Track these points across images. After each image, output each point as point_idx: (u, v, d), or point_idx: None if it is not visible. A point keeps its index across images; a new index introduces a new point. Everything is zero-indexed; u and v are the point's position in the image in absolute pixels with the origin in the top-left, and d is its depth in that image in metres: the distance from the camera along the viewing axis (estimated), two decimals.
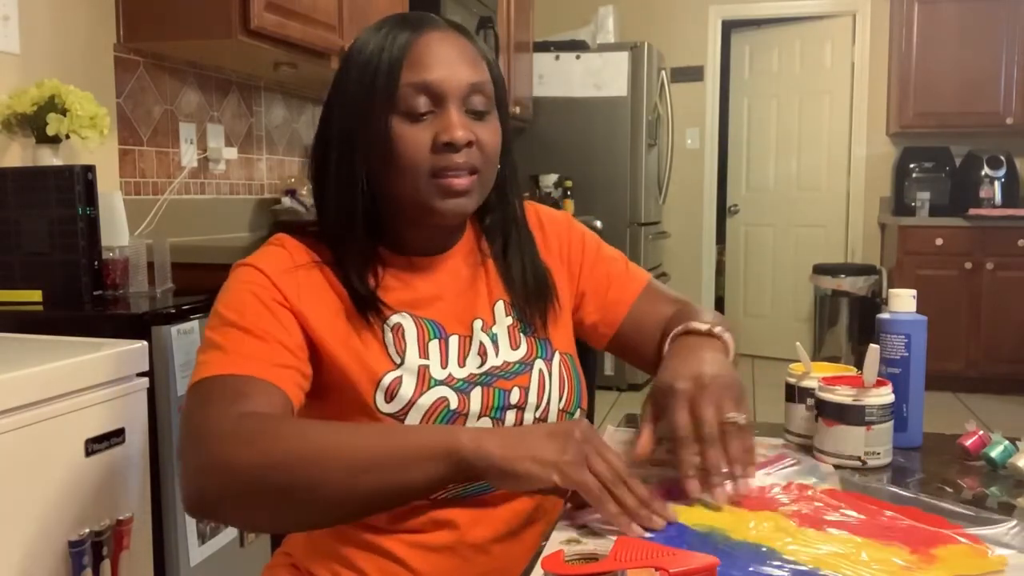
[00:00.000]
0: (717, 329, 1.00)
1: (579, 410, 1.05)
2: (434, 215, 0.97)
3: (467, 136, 0.93)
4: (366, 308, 0.96)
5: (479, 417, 0.98)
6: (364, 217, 0.97)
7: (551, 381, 1.03)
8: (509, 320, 1.04)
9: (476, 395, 0.98)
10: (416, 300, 1.00)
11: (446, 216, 0.97)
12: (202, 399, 0.88)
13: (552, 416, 1.02)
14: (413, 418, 0.94)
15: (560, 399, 1.03)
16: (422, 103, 0.93)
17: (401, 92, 0.93)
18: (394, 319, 0.98)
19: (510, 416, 0.99)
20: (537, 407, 1.01)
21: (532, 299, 1.05)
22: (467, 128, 0.94)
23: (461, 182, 0.95)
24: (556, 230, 1.14)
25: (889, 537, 0.80)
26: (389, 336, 0.97)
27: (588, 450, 0.81)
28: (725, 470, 0.86)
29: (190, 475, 0.84)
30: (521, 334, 1.04)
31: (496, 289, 1.06)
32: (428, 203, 0.95)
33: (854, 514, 0.84)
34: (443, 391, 0.96)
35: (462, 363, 0.99)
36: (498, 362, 1.01)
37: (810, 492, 0.90)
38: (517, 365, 1.02)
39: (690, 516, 0.83)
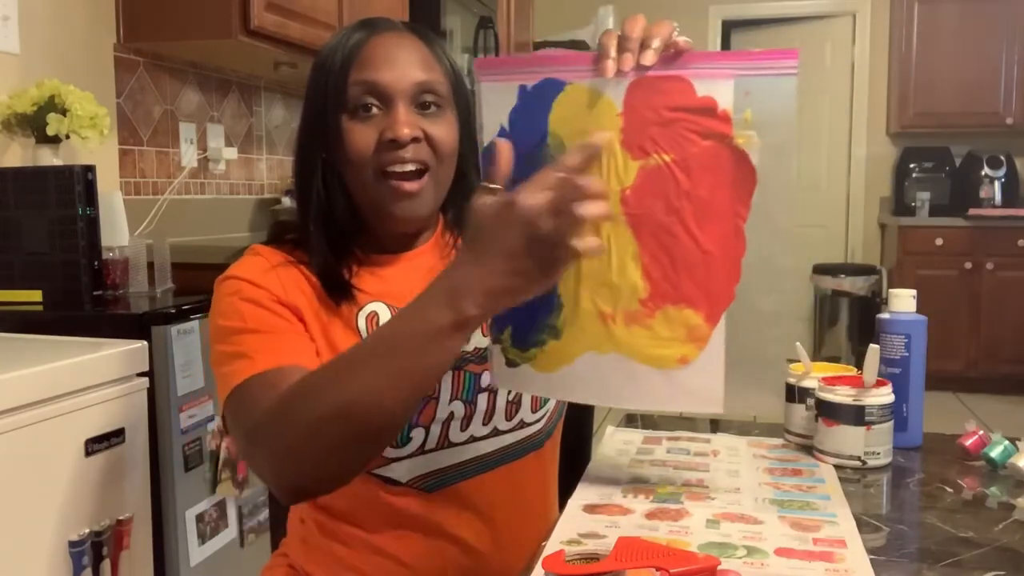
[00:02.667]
0: None
1: None
2: (389, 219, 0.99)
3: (412, 132, 0.95)
4: (340, 296, 0.98)
5: (451, 401, 0.99)
6: (321, 213, 0.99)
7: None
8: None
9: (446, 379, 0.99)
10: (390, 291, 1.01)
11: (401, 219, 0.99)
12: (243, 403, 0.89)
13: (526, 398, 1.02)
14: None
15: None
16: (369, 102, 0.96)
17: (350, 91, 0.95)
18: (369, 307, 0.99)
19: (482, 399, 1.00)
20: (510, 390, 1.01)
21: None
22: (414, 125, 0.95)
23: (411, 186, 0.96)
24: None
25: (679, 295, 0.81)
26: (363, 325, 0.98)
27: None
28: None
29: (269, 471, 0.85)
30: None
31: None
32: (381, 206, 0.98)
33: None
34: None
35: None
36: (469, 348, 1.02)
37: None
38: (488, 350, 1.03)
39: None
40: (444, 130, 0.98)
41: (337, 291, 0.98)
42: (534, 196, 0.70)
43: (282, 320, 0.95)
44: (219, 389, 0.94)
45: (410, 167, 0.95)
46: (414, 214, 0.99)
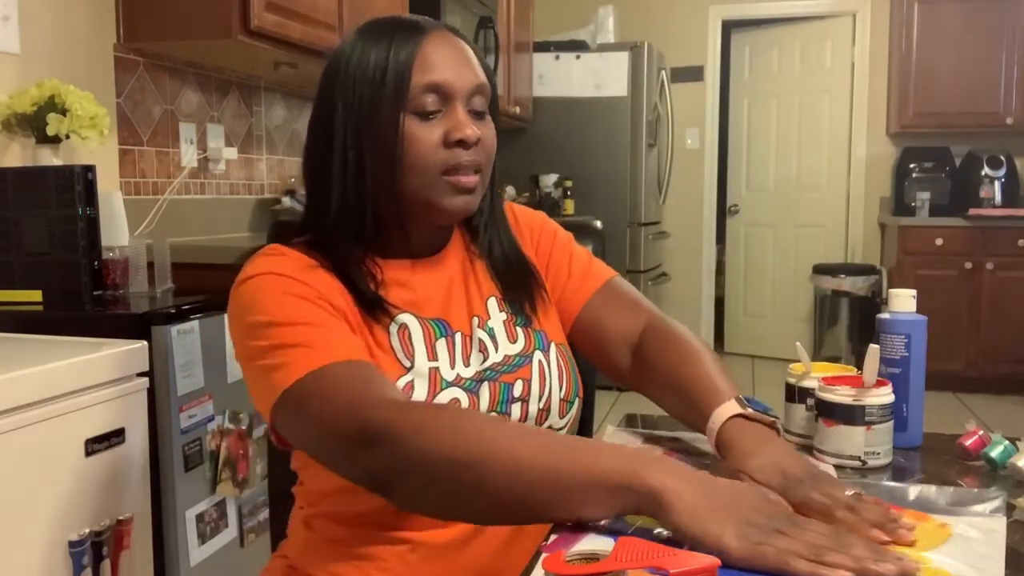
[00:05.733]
0: (777, 422, 0.94)
1: (577, 399, 1.07)
2: (441, 213, 0.98)
3: (476, 134, 0.96)
4: (373, 310, 0.97)
5: (487, 412, 0.99)
6: (348, 216, 0.97)
7: (551, 371, 1.04)
8: (503, 315, 1.06)
9: (484, 392, 0.99)
10: (415, 300, 1.01)
11: (454, 213, 0.99)
12: (327, 390, 0.83)
13: (554, 406, 1.03)
14: None
15: (560, 389, 1.05)
16: (431, 102, 0.95)
17: (412, 91, 0.95)
18: (400, 319, 0.99)
19: (515, 409, 1.00)
20: (540, 398, 1.02)
21: (518, 287, 1.07)
22: (473, 127, 0.96)
23: (469, 180, 0.97)
24: (529, 225, 1.16)
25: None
26: (396, 340, 0.97)
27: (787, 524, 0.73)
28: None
29: (380, 467, 0.80)
30: (517, 328, 1.06)
31: (487, 286, 1.07)
32: (437, 201, 0.97)
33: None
34: (454, 392, 0.97)
35: (467, 362, 1.00)
36: (499, 357, 1.02)
37: None
38: (517, 358, 1.03)
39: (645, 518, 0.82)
40: (491, 134, 1.00)
41: (371, 307, 0.96)
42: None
43: (329, 316, 0.90)
44: (263, 383, 0.88)
45: (470, 170, 0.96)
46: (468, 209, 0.99)
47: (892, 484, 0.93)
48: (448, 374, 0.98)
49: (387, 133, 0.95)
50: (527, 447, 0.78)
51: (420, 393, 0.95)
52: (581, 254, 1.16)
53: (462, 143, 0.95)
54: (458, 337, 1.01)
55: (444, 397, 0.96)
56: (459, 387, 0.98)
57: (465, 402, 0.97)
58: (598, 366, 1.14)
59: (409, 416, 0.81)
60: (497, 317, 1.05)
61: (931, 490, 0.90)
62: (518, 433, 0.82)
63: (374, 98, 0.95)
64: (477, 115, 0.98)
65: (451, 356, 0.99)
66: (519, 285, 1.07)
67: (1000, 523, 0.81)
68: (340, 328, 0.91)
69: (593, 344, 1.12)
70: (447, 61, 0.96)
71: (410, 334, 0.98)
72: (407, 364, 0.96)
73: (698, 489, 0.73)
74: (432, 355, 0.98)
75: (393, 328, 0.98)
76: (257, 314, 0.90)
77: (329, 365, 0.85)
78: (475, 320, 1.04)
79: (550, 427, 1.03)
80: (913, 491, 0.90)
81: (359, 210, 0.97)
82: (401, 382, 0.95)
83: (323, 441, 0.85)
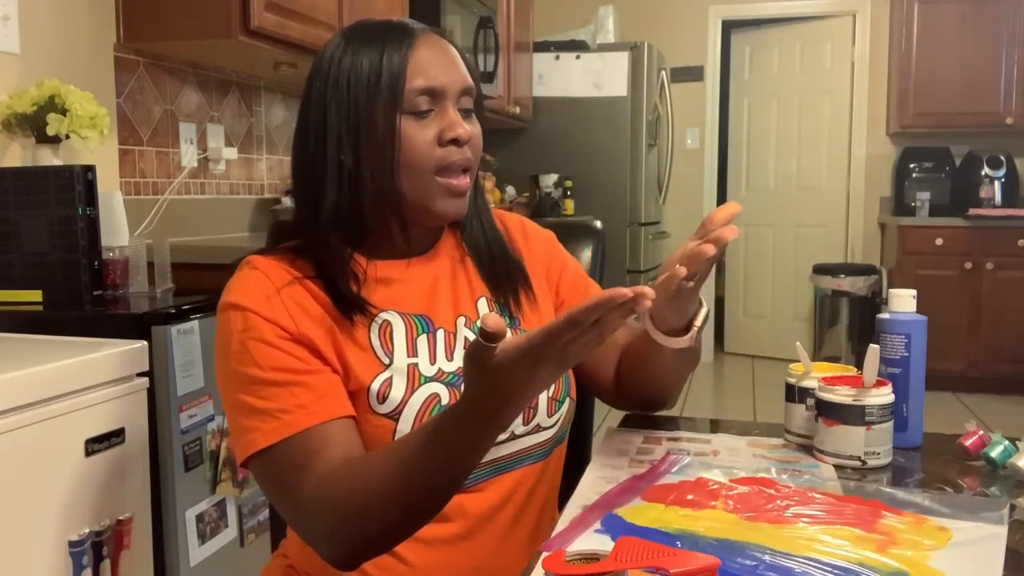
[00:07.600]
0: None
1: (568, 399, 1.06)
2: (435, 215, 1.00)
3: (468, 133, 0.98)
4: (352, 311, 0.97)
5: None
6: (340, 218, 0.98)
7: None
8: None
9: None
10: (400, 298, 1.01)
11: (447, 216, 1.00)
12: (279, 474, 0.91)
13: (542, 404, 1.03)
14: (406, 417, 0.95)
15: (549, 388, 1.04)
16: (424, 102, 0.97)
17: (407, 93, 0.96)
18: (381, 316, 0.99)
19: None
20: None
21: (503, 281, 1.08)
22: (464, 126, 0.98)
23: (461, 182, 0.98)
24: (540, 240, 1.17)
25: (834, 521, 0.82)
26: (376, 339, 0.98)
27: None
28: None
29: (332, 556, 0.91)
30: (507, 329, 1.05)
31: (478, 286, 1.07)
32: (430, 203, 0.98)
33: (792, 504, 0.86)
34: (434, 387, 0.98)
35: (450, 357, 1.01)
36: None
37: (726, 490, 0.91)
38: None
39: (643, 518, 0.84)
40: (479, 133, 1.01)
41: (350, 307, 0.97)
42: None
43: (299, 362, 0.93)
44: (236, 438, 0.93)
45: (463, 166, 0.98)
46: (460, 211, 1.01)
47: (892, 490, 0.93)
48: (428, 369, 0.99)
49: (383, 134, 0.96)
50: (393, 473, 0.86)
51: (398, 391, 0.96)
52: (594, 285, 1.19)
53: (455, 142, 0.97)
54: (440, 334, 1.01)
55: (423, 393, 0.97)
56: (440, 382, 0.98)
57: (446, 397, 0.98)
58: (593, 389, 1.18)
59: (320, 524, 0.90)
60: None
61: (934, 495, 0.90)
62: (399, 462, 0.87)
63: (370, 101, 0.96)
64: (466, 113, 1.00)
65: (431, 351, 1.00)
66: (503, 278, 1.08)
67: (1002, 529, 0.81)
68: (302, 378, 0.93)
69: (591, 364, 1.14)
70: (438, 64, 0.98)
71: (392, 331, 0.99)
72: (386, 361, 0.97)
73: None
74: (412, 351, 0.99)
75: (374, 326, 0.98)
76: (230, 358, 0.95)
77: (280, 443, 0.90)
78: (461, 319, 1.04)
79: (538, 424, 1.02)
80: (915, 495, 0.90)
81: (353, 211, 0.98)
82: (378, 382, 0.96)
83: (289, 523, 0.98)
